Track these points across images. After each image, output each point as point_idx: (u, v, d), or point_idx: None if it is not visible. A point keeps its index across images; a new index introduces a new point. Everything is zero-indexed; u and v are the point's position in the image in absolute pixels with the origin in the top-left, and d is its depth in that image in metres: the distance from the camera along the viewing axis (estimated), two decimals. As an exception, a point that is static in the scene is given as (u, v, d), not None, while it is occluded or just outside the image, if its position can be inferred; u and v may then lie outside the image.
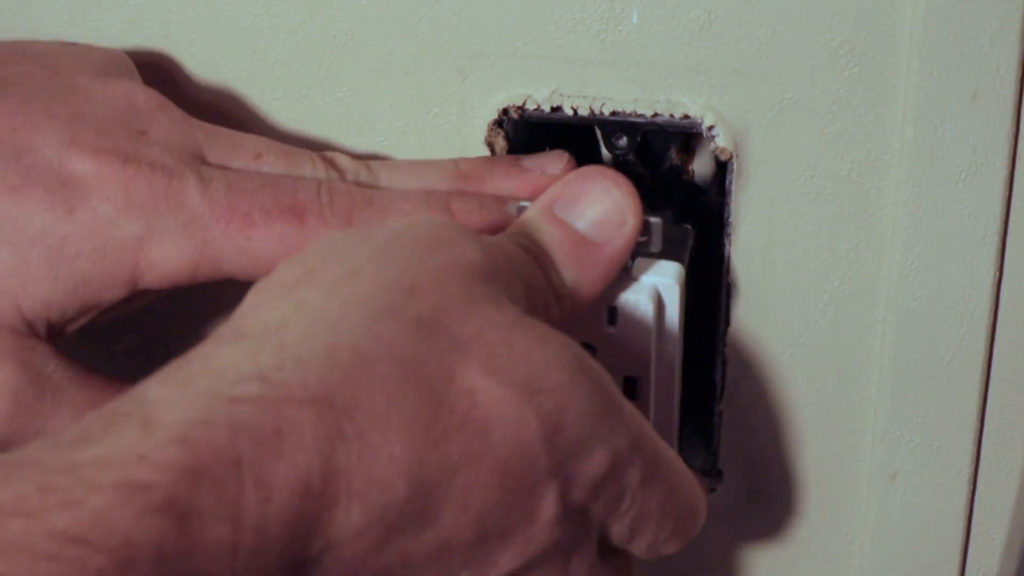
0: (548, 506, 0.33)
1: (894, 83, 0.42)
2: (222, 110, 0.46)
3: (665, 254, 0.42)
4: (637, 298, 0.42)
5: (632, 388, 0.43)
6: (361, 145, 0.46)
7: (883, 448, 0.47)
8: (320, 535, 0.30)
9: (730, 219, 0.45)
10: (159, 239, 0.39)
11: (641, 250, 0.42)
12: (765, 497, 0.49)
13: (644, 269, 0.42)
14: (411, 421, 0.31)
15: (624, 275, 0.42)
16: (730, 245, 0.45)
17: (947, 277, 0.44)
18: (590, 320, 0.42)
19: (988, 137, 0.41)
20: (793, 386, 0.47)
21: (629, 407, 0.36)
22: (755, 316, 0.46)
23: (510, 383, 0.33)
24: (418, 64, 0.44)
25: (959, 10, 0.40)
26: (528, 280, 0.37)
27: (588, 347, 0.42)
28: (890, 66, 0.41)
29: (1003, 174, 0.42)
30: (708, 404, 0.48)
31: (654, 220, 0.41)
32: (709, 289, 0.46)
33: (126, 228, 0.39)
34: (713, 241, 0.45)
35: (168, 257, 0.40)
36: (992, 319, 0.44)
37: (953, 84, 0.41)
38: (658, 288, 0.42)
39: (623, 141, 0.45)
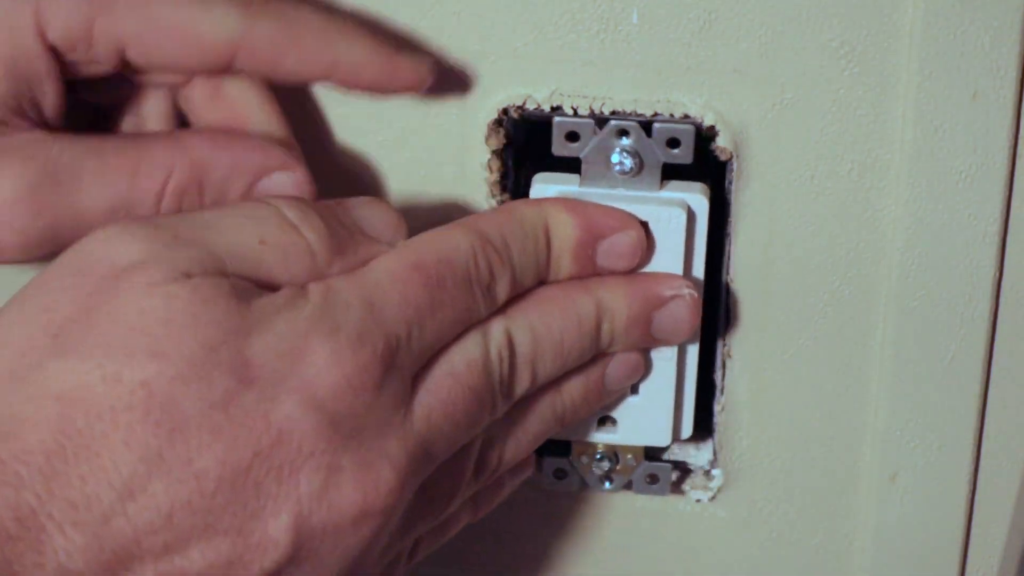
0: (296, 424, 0.35)
1: (894, 83, 0.42)
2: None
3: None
4: (670, 212, 0.42)
5: None
6: (361, 145, 0.46)
7: (883, 448, 0.47)
8: (38, 566, 0.33)
9: (730, 219, 0.45)
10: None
11: (674, 161, 0.43)
12: (765, 497, 0.49)
13: (672, 188, 0.43)
14: (45, 440, 0.33)
15: (654, 194, 0.43)
16: (730, 245, 0.45)
17: (947, 277, 0.44)
18: None
19: (988, 137, 0.41)
20: (793, 386, 0.47)
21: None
22: (755, 316, 0.46)
23: (128, 357, 0.34)
24: (418, 64, 0.44)
25: (959, 10, 0.40)
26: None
27: None
28: (890, 66, 0.41)
29: (1003, 174, 0.42)
30: (708, 404, 0.48)
31: (685, 127, 0.42)
32: (709, 289, 0.46)
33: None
34: (713, 241, 0.45)
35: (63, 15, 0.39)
36: (992, 319, 0.44)
37: (953, 84, 0.41)
38: (689, 203, 0.43)
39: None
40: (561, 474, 0.48)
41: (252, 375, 0.35)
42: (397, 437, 0.37)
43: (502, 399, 0.40)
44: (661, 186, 0.43)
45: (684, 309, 0.43)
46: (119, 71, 0.41)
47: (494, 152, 0.44)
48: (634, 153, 0.43)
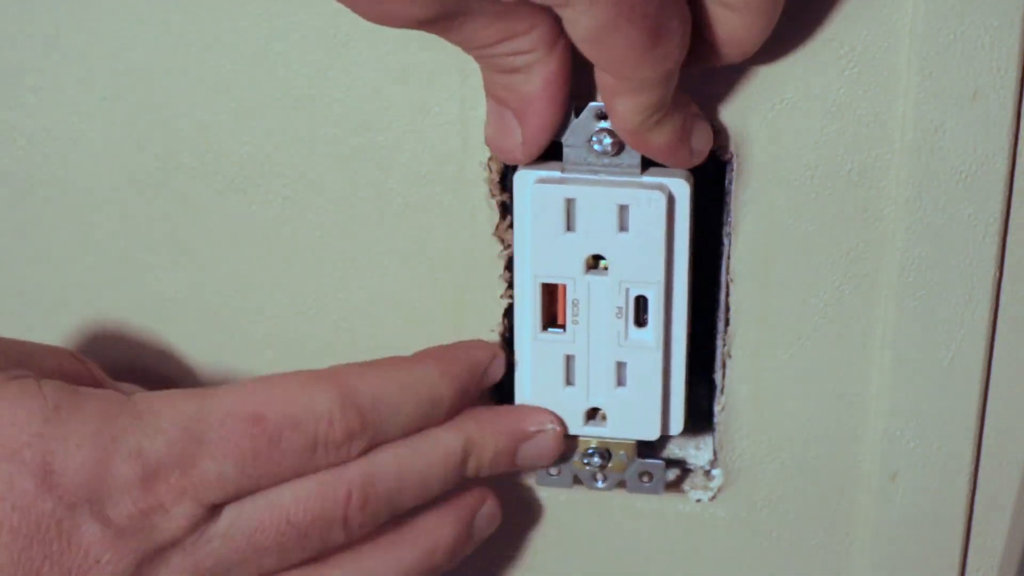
0: (86, 533, 0.38)
1: (894, 83, 0.42)
2: (221, 113, 0.46)
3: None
4: (649, 195, 0.42)
5: (642, 310, 0.44)
6: (361, 145, 0.46)
7: (883, 448, 0.47)
8: None
9: (730, 219, 0.45)
10: None
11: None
12: (765, 497, 0.49)
13: (654, 174, 0.43)
14: None
15: (634, 178, 0.43)
16: (730, 245, 0.45)
17: (947, 277, 0.44)
18: (601, 227, 0.43)
19: (988, 137, 0.41)
20: (793, 386, 0.47)
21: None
22: (755, 316, 0.46)
23: None
24: (418, 64, 0.44)
25: (959, 10, 0.40)
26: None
27: (599, 258, 0.44)
28: (890, 66, 0.41)
29: (1003, 174, 0.42)
30: (708, 404, 0.48)
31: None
32: (709, 288, 0.46)
33: None
34: (713, 241, 0.45)
35: None
36: (992, 319, 0.44)
37: (953, 84, 0.41)
38: (669, 187, 0.43)
39: (623, 141, 0.45)
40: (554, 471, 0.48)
41: (53, 482, 0.37)
42: (184, 555, 0.40)
43: (343, 531, 0.42)
44: (643, 172, 0.43)
45: (547, 442, 0.46)
46: None
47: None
48: (612, 134, 0.42)
